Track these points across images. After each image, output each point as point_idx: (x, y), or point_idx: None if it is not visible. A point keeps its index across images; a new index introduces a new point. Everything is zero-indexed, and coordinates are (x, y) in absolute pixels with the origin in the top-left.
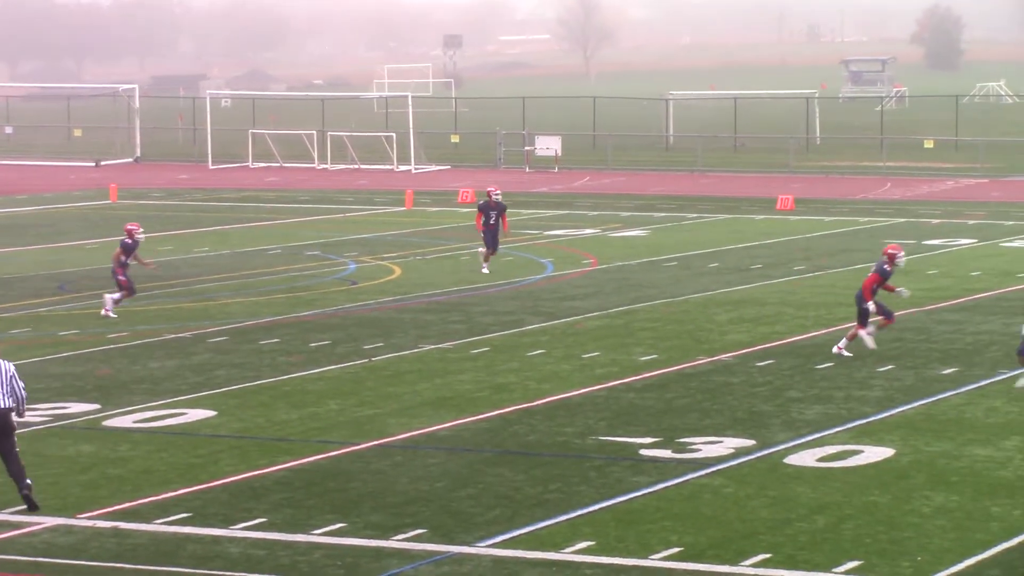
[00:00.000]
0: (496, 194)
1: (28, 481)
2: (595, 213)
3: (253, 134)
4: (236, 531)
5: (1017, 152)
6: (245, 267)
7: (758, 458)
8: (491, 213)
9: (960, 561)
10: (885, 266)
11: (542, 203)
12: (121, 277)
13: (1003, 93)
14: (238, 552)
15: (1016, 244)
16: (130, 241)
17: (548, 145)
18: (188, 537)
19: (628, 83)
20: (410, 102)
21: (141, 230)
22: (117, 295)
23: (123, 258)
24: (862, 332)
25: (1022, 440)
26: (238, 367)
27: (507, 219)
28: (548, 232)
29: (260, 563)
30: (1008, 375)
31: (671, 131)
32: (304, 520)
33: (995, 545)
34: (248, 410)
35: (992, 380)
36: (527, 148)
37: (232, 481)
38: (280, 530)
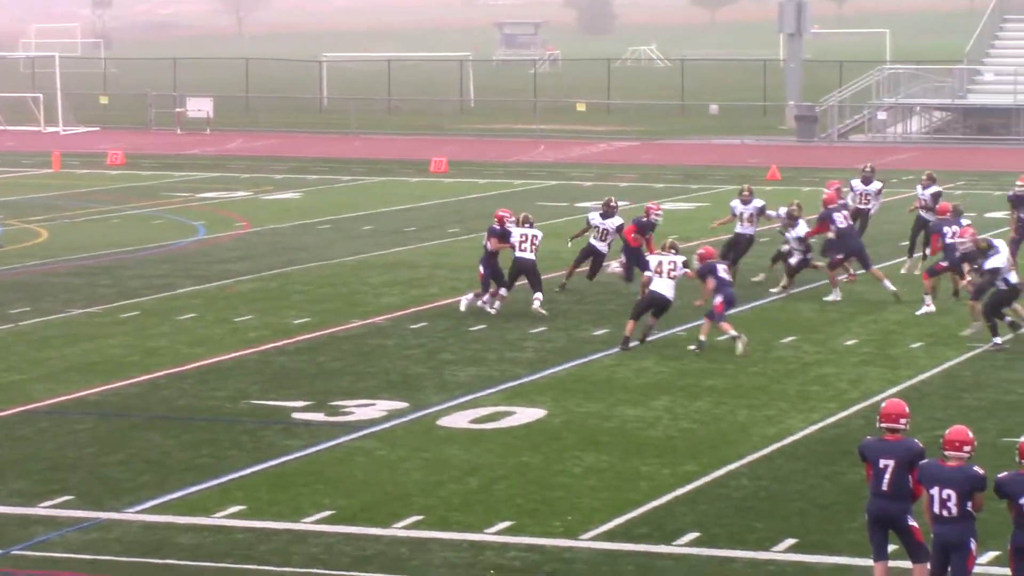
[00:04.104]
0: (656, 213)
1: None
2: (248, 176)
3: None
4: None
5: (668, 115)
6: None
7: (411, 420)
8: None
9: (610, 520)
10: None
11: (194, 165)
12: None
13: (654, 57)
14: None
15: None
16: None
17: (200, 107)
18: None
19: (282, 45)
20: (57, 62)
21: (512, 217)
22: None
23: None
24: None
25: (671, 400)
26: None
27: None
28: (200, 195)
29: None
30: (657, 336)
31: (325, 93)
32: None
33: (644, 504)
34: None
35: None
36: (178, 110)
37: None
38: None
